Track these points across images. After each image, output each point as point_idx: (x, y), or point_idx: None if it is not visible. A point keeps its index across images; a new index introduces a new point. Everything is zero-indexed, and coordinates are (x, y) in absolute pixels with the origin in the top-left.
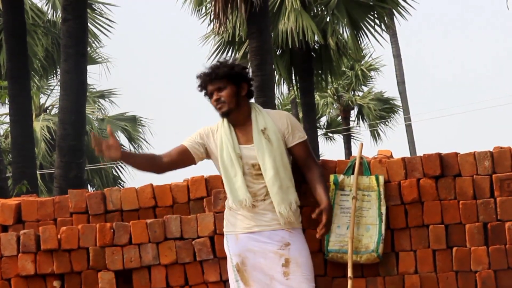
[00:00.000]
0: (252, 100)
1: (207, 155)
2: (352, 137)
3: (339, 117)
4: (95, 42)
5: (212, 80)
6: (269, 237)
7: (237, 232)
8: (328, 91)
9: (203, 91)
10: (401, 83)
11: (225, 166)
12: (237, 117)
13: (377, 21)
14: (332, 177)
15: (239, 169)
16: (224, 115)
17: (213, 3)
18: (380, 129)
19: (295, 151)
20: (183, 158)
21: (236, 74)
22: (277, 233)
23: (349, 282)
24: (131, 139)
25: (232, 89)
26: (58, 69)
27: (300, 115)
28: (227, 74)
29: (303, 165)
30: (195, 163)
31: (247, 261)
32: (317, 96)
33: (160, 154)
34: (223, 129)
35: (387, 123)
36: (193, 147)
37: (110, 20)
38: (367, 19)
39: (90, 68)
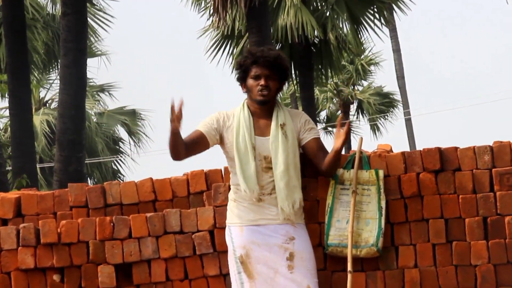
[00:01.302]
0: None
1: (220, 140)
2: (352, 131)
3: (339, 112)
4: (94, 36)
5: (270, 67)
6: (274, 230)
7: (241, 224)
8: (328, 85)
9: (245, 68)
10: (400, 77)
11: (239, 152)
12: (265, 109)
13: (376, 16)
14: None
15: (252, 158)
16: (263, 102)
17: None
18: (380, 123)
19: (310, 145)
20: (200, 144)
21: (287, 73)
22: (282, 227)
23: (349, 276)
24: (130, 133)
25: (278, 84)
26: (57, 63)
27: (300, 109)
28: (285, 69)
29: (316, 156)
30: (208, 148)
31: (251, 253)
32: (316, 91)
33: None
34: (243, 116)
35: (386, 117)
36: (209, 133)
37: (109, 15)
38: (367, 13)
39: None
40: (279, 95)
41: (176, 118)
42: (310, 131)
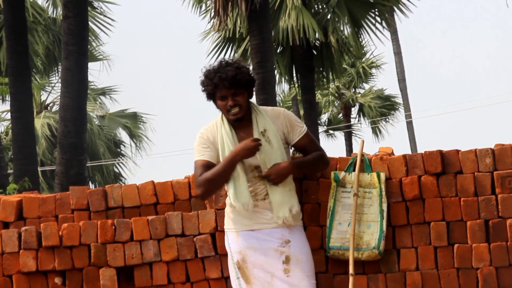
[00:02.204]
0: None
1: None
2: (353, 134)
3: (340, 115)
4: (95, 40)
5: (232, 85)
6: (269, 234)
7: (237, 229)
8: (329, 88)
9: (210, 93)
10: (402, 80)
11: None
12: (243, 119)
13: (378, 19)
14: (333, 174)
15: (241, 173)
16: (238, 120)
17: (213, 0)
18: (381, 126)
19: (299, 144)
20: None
21: (251, 80)
22: (277, 231)
23: (350, 279)
24: (132, 136)
25: (246, 94)
26: (59, 66)
27: (301, 112)
28: (247, 81)
29: (308, 152)
30: None
31: (247, 258)
32: (318, 94)
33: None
34: (224, 130)
35: (388, 120)
36: (212, 156)
37: (110, 19)
38: (368, 16)
39: (90, 65)
40: (252, 100)
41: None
42: (295, 129)
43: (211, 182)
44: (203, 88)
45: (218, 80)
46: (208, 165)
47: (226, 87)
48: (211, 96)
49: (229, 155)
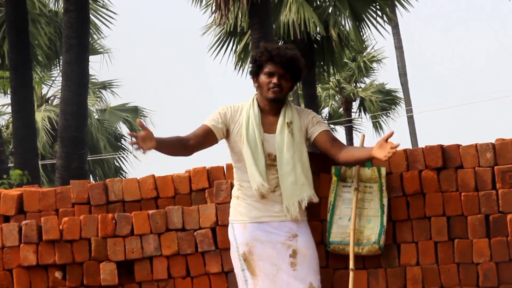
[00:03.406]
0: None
1: (227, 134)
2: (354, 128)
3: (341, 109)
4: (96, 33)
5: (285, 66)
6: (277, 227)
7: (244, 221)
8: (330, 83)
9: (260, 63)
10: (403, 75)
11: (251, 149)
12: (275, 106)
13: (379, 13)
14: (333, 168)
15: (262, 155)
16: (274, 100)
17: None
18: (382, 120)
19: (321, 138)
20: (207, 138)
21: (301, 71)
22: (285, 224)
23: (351, 273)
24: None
25: (290, 83)
26: (60, 60)
27: (302, 106)
28: (299, 71)
29: (332, 147)
30: (217, 142)
31: (254, 250)
32: (319, 88)
33: (186, 136)
34: (252, 111)
35: (389, 114)
36: (216, 127)
37: (111, 11)
38: (369, 10)
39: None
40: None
41: (145, 138)
42: (318, 124)
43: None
44: (255, 59)
45: (276, 54)
46: (207, 131)
47: (280, 64)
48: (258, 68)
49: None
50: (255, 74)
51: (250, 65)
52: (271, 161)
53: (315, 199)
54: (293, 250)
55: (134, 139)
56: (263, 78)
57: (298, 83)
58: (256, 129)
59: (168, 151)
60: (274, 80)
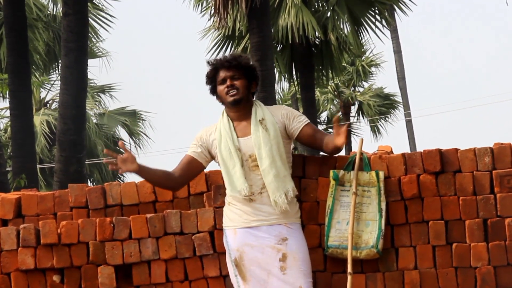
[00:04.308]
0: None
1: (211, 156)
2: (352, 132)
3: (340, 113)
4: (95, 36)
5: (230, 67)
6: (267, 231)
7: (235, 226)
8: (329, 86)
9: (212, 78)
10: (401, 79)
11: (223, 158)
12: (241, 110)
13: (377, 17)
14: (332, 172)
15: (237, 161)
16: (235, 102)
17: None
18: (380, 125)
19: (303, 134)
20: (192, 167)
21: (252, 70)
22: (274, 228)
23: (349, 277)
24: (131, 134)
25: (245, 82)
26: (58, 64)
27: (301, 110)
28: (246, 66)
29: (315, 141)
30: (204, 168)
31: (244, 256)
32: (317, 92)
33: (172, 170)
34: (222, 123)
35: (387, 119)
36: (196, 153)
37: (110, 15)
38: (368, 14)
39: (90, 62)
40: (254, 95)
41: (126, 160)
42: (297, 119)
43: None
44: (207, 78)
45: (219, 61)
46: (189, 160)
47: (225, 67)
48: (212, 83)
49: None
50: (213, 90)
51: (207, 86)
52: (253, 162)
53: (296, 192)
54: (282, 254)
55: (112, 159)
56: (219, 88)
57: (258, 80)
58: (228, 138)
59: (152, 178)
60: (227, 83)
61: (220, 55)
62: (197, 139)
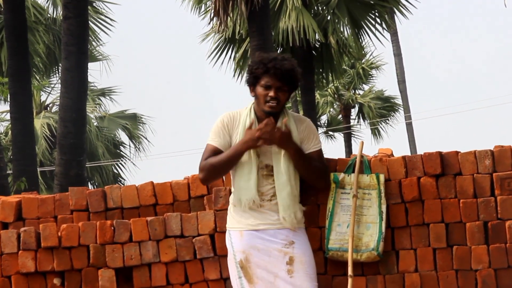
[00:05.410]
0: None
1: (230, 145)
2: (352, 135)
3: (340, 116)
4: (95, 40)
5: (281, 79)
6: (274, 235)
7: (241, 228)
8: (329, 89)
9: (257, 76)
10: (401, 81)
11: (243, 161)
12: (274, 115)
13: (378, 20)
14: (332, 175)
15: (254, 167)
16: (271, 113)
17: (213, 0)
18: (380, 127)
19: (309, 157)
20: None
21: (298, 83)
22: (281, 232)
23: (349, 280)
24: (131, 137)
25: (288, 95)
26: (59, 67)
27: (301, 113)
28: (296, 82)
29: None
30: None
31: (251, 258)
32: (317, 95)
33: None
34: (249, 120)
35: (387, 121)
36: (222, 144)
37: (110, 19)
38: (368, 17)
39: (90, 65)
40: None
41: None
42: (313, 142)
43: (214, 168)
44: (251, 71)
45: (272, 67)
46: (216, 152)
47: (277, 77)
48: (255, 80)
49: (236, 144)
50: (251, 84)
51: (247, 75)
52: (268, 172)
53: (303, 210)
54: (289, 257)
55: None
56: (260, 90)
57: (295, 92)
58: None
59: (232, 165)
60: (271, 93)
61: (276, 55)
62: (223, 127)
